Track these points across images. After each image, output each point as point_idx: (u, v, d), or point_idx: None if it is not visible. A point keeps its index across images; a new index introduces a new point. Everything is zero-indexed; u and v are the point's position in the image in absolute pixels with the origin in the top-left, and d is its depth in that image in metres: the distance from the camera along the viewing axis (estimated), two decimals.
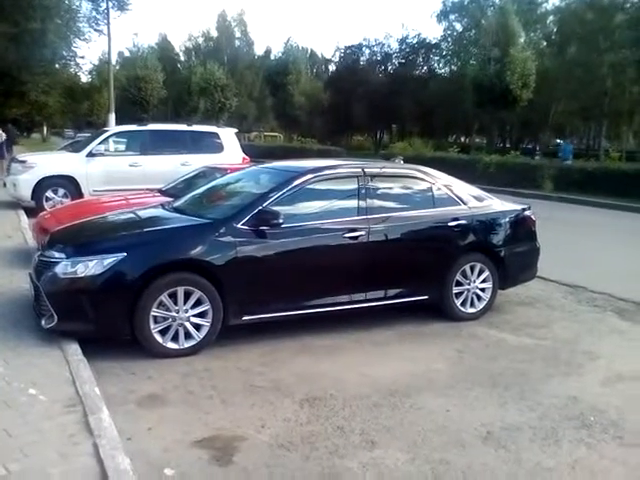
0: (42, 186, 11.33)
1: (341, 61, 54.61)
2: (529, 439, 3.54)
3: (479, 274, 5.82)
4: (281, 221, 4.81)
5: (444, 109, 41.14)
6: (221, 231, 4.80)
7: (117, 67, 64.67)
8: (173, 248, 4.69)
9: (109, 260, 4.46)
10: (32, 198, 11.39)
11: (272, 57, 55.71)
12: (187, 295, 4.63)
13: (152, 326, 4.55)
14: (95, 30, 27.52)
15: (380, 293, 5.38)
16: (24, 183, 11.40)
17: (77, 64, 29.42)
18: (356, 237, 5.16)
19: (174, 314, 4.60)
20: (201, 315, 4.70)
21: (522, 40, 35.94)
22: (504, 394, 4.18)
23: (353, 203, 5.31)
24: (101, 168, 11.50)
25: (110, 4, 23.86)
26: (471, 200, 5.93)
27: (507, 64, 28.94)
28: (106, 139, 12.11)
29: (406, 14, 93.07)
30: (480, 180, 18.72)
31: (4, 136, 16.96)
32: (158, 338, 4.59)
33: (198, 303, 4.67)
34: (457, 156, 22.41)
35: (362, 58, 52.46)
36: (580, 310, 6.41)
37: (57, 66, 23.85)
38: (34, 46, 21.30)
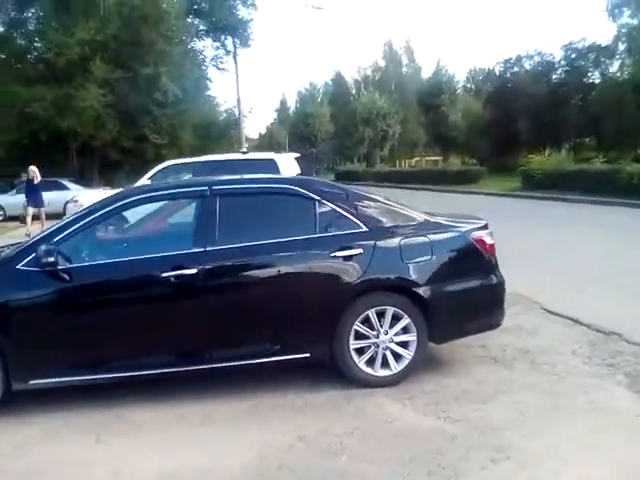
0: None
1: (500, 75, 51.16)
2: None
3: (393, 322, 4.17)
4: (55, 260, 3.71)
5: (611, 117, 36.11)
6: None
7: (296, 105, 67.87)
8: None
9: None
10: None
11: (435, 80, 53.87)
12: None
13: None
14: (218, 69, 28.86)
15: (230, 352, 4.03)
16: None
17: (215, 103, 30.93)
18: (182, 276, 3.91)
19: None
20: None
21: None
22: None
23: (188, 232, 4.07)
24: None
25: (234, 41, 24.55)
26: (378, 220, 4.29)
27: None
28: (156, 174, 11.88)
29: (565, 17, 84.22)
30: (622, 194, 15.83)
31: (39, 177, 13.54)
32: None
33: None
34: (597, 167, 19.10)
35: (522, 70, 48.62)
36: (576, 372, 4.37)
37: (183, 107, 24.96)
38: (150, 90, 22.55)
